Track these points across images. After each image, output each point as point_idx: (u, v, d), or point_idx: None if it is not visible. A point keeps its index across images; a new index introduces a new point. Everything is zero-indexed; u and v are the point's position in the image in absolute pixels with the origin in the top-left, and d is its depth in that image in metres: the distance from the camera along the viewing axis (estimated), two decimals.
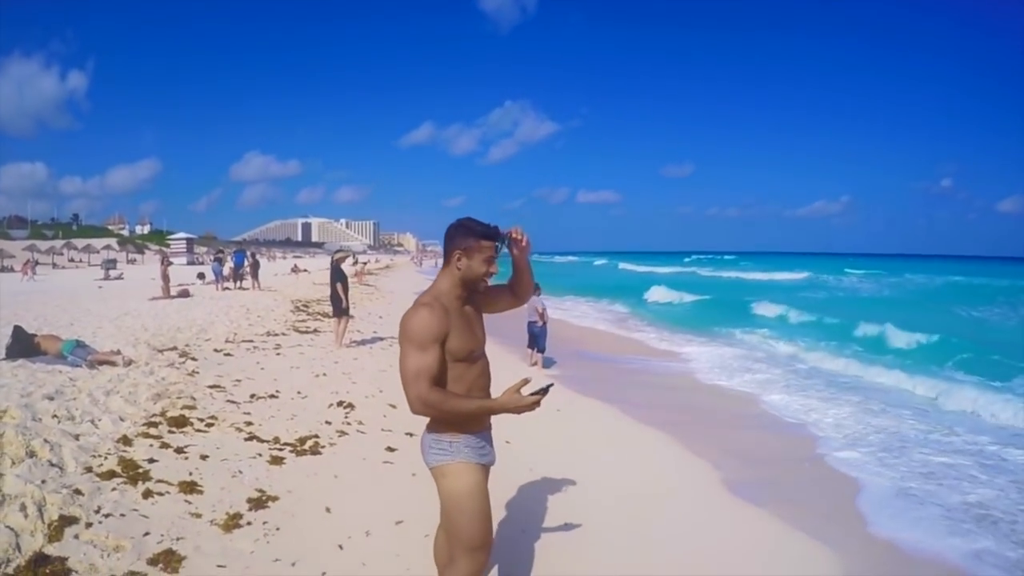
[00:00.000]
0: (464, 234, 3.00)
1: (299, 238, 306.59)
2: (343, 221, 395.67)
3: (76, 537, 4.00)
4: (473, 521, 2.99)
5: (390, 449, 6.42)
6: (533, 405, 2.81)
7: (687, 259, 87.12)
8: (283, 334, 14.21)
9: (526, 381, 2.86)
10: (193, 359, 10.23)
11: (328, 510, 4.94)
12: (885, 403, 10.78)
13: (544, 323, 13.36)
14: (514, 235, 3.09)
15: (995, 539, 5.53)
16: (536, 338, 13.35)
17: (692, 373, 13.57)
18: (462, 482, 2.99)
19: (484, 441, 3.14)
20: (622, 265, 75.01)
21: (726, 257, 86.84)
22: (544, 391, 2.83)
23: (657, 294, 33.51)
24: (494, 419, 3.14)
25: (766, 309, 25.79)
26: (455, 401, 2.88)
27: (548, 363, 13.57)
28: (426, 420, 3.07)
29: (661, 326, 21.93)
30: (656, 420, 9.10)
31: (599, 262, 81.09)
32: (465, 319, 3.04)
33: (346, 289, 13.67)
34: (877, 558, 5.20)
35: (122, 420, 6.46)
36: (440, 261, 3.44)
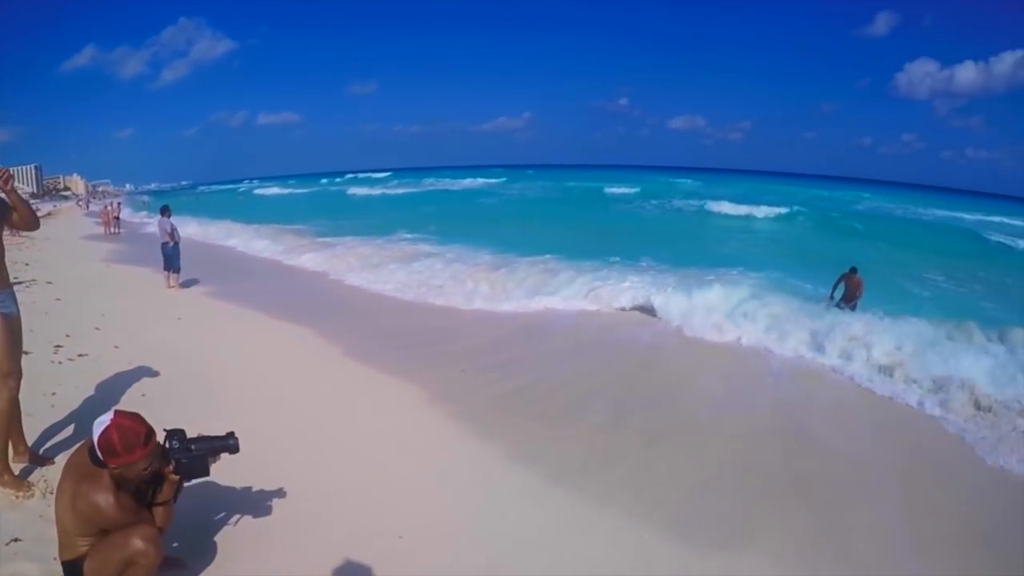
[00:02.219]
0: None
1: None
2: None
3: None
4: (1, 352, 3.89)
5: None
6: None
7: (337, 179, 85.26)
8: None
9: None
10: None
11: None
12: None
13: (175, 243, 12.98)
14: None
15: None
16: (169, 259, 12.90)
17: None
18: None
19: (4, 297, 3.96)
20: (257, 191, 71.37)
21: (376, 175, 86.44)
22: None
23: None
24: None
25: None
26: None
27: (189, 283, 13.20)
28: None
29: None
30: (293, 317, 10.03)
31: (242, 188, 77.03)
32: None
33: None
34: (449, 385, 7.05)
35: None
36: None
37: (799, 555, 4.18)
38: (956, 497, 5.18)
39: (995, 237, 28.16)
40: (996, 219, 37.11)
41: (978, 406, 6.99)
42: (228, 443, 3.23)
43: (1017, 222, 35.85)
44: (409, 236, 20.94)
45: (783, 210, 33.10)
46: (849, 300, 11.07)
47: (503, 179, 65.89)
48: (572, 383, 7.40)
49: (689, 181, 60.93)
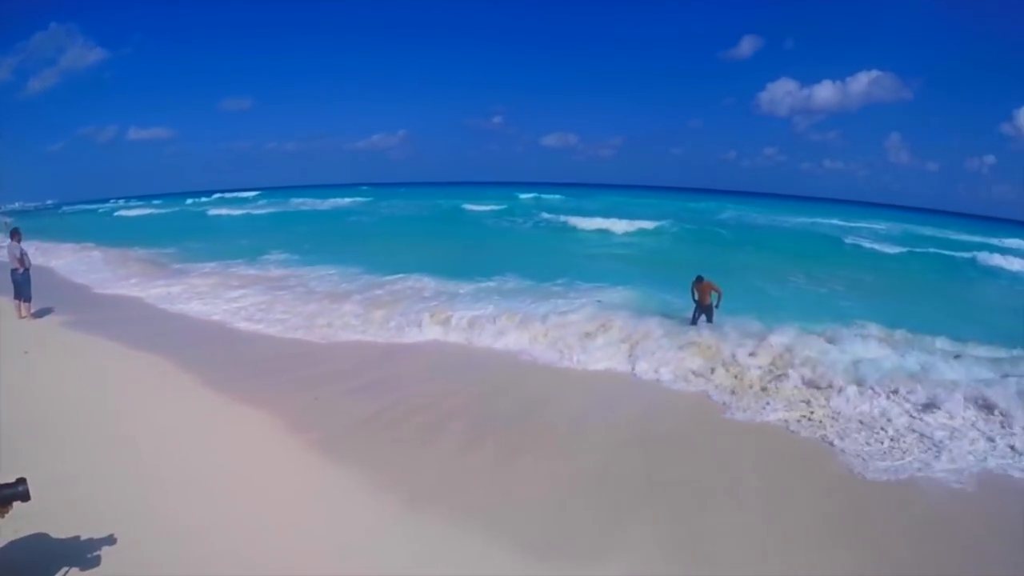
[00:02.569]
0: None
1: None
2: None
3: None
4: None
5: None
6: None
7: (204, 198, 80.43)
8: None
9: None
10: None
11: None
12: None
13: (25, 270, 12.19)
14: None
15: None
16: (19, 287, 12.14)
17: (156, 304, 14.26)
18: None
19: None
20: (119, 212, 66.46)
21: (243, 195, 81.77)
22: None
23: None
24: None
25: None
26: None
27: (43, 313, 12.42)
28: None
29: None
30: (149, 347, 9.88)
31: (106, 208, 71.80)
32: None
33: None
34: (305, 412, 7.19)
35: None
36: None
37: (662, 562, 4.38)
38: (814, 497, 5.53)
39: (850, 240, 29.72)
40: (851, 224, 39.67)
41: (831, 409, 7.53)
42: (18, 490, 3.05)
43: (870, 225, 39.14)
44: (272, 258, 20.39)
45: (650, 223, 32.70)
46: (703, 309, 11.02)
47: (371, 198, 63.22)
48: (429, 407, 7.51)
49: (559, 197, 60.47)
